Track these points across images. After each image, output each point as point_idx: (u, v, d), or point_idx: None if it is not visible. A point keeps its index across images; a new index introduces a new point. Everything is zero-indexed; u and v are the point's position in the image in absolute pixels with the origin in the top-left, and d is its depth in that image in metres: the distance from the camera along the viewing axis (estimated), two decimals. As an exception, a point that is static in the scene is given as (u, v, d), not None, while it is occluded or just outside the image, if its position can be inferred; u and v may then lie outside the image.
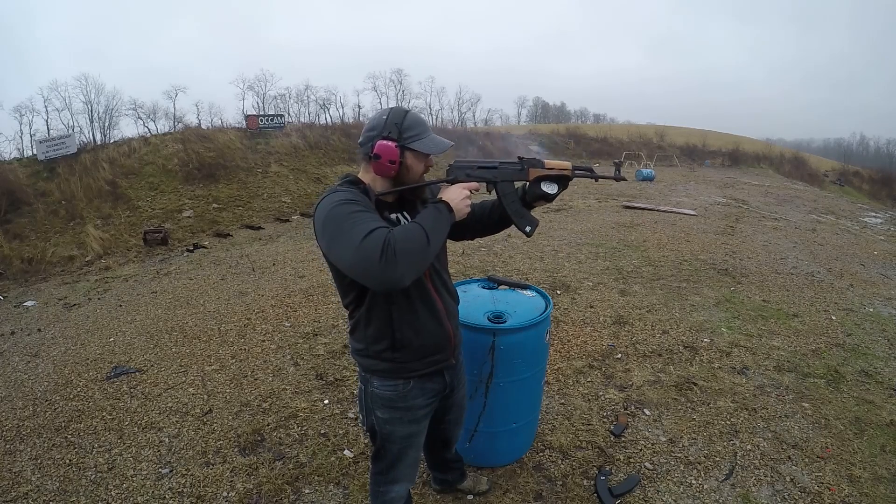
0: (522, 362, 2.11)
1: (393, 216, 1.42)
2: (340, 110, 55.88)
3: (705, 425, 2.68)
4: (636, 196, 12.27)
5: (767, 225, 8.97)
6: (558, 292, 4.86)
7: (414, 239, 1.20)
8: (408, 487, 1.69)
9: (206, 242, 8.81)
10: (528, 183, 1.43)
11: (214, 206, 11.23)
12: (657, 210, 10.00)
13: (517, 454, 2.40)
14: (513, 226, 1.51)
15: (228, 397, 3.15)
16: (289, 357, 3.69)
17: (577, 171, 1.39)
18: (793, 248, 7.01)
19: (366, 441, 2.58)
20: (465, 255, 6.17)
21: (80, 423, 2.97)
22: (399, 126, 1.34)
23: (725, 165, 31.53)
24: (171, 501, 2.25)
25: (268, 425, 2.80)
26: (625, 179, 1.53)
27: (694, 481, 2.25)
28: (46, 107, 43.09)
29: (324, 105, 54.27)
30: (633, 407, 2.86)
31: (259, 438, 2.69)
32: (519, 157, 1.42)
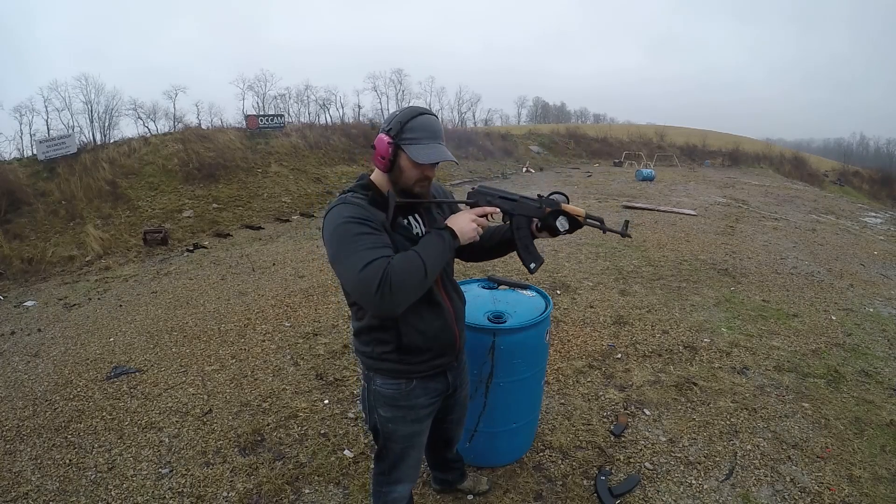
0: (522, 362, 2.11)
1: (405, 221, 1.43)
2: (340, 110, 55.91)
3: (705, 425, 2.68)
4: (636, 196, 12.27)
5: (767, 225, 8.97)
6: (558, 292, 4.86)
7: (412, 272, 1.23)
8: (410, 488, 1.69)
9: (206, 242, 8.81)
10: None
11: (214, 206, 11.23)
12: (657, 210, 10.00)
13: (517, 454, 2.40)
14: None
15: (228, 397, 3.15)
16: (289, 357, 3.69)
17: (588, 220, 1.42)
18: (793, 248, 7.01)
19: (366, 441, 2.58)
20: (465, 255, 6.13)
21: (80, 423, 2.97)
22: (402, 125, 1.33)
23: (725, 165, 31.53)
24: (171, 501, 2.25)
25: (268, 425, 2.80)
26: (630, 237, 1.55)
27: (694, 481, 2.25)
28: (46, 107, 43.21)
29: (324, 105, 54.33)
30: (633, 407, 2.86)
31: (259, 438, 2.69)
32: (538, 195, 1.45)
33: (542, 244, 6.91)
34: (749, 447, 2.49)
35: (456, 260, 1.57)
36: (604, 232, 1.44)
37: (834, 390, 3.05)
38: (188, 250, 8.26)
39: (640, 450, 2.48)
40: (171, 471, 2.46)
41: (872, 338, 3.86)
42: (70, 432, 2.87)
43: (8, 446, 2.77)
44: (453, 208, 1.54)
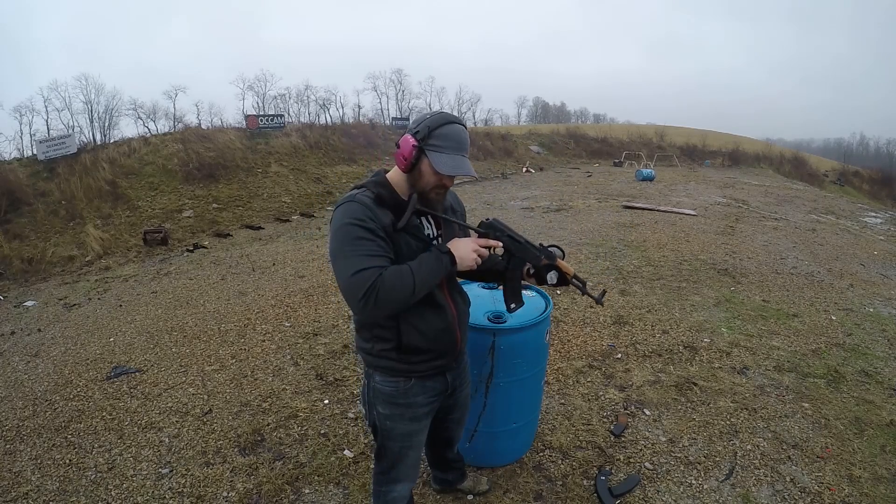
0: (522, 362, 2.11)
1: (417, 220, 1.44)
2: (340, 110, 55.91)
3: (705, 425, 2.68)
4: (636, 196, 12.27)
5: (767, 225, 8.97)
6: (558, 292, 4.86)
7: (400, 288, 1.27)
8: (410, 488, 1.69)
9: (206, 242, 8.81)
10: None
11: (214, 206, 11.23)
12: (657, 210, 10.00)
13: (517, 454, 2.40)
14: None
15: (228, 397, 3.15)
16: (289, 357, 3.69)
17: (574, 280, 1.49)
18: (793, 248, 7.01)
19: (366, 441, 2.58)
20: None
21: (80, 423, 2.97)
22: (430, 130, 1.33)
23: (725, 165, 31.53)
24: (171, 501, 2.25)
25: (268, 425, 2.80)
26: (602, 305, 1.61)
27: (694, 481, 2.25)
28: (46, 107, 43.19)
29: (324, 105, 54.29)
30: (633, 407, 2.86)
31: (259, 438, 2.69)
32: (540, 244, 1.50)
33: (544, 242, 6.91)
34: (749, 447, 2.49)
35: None
36: (582, 294, 1.51)
37: (834, 390, 3.05)
38: (188, 250, 8.26)
39: (640, 450, 2.48)
40: (171, 471, 2.46)
41: (872, 338, 3.86)
42: (70, 432, 2.87)
43: (8, 446, 2.77)
44: (465, 230, 1.56)
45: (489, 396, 2.11)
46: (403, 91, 63.28)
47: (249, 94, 56.40)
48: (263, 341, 4.01)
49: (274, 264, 6.66)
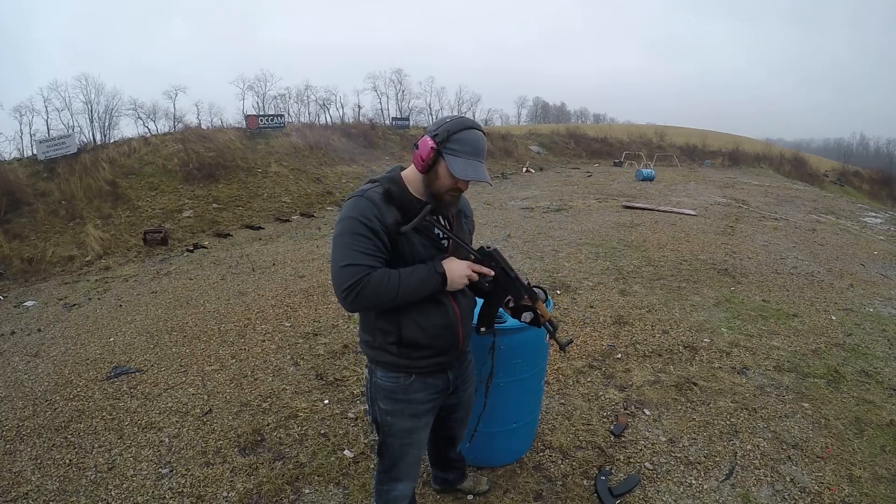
0: (522, 362, 2.11)
1: (426, 223, 1.44)
2: (340, 110, 55.96)
3: (705, 425, 2.68)
4: (636, 196, 12.27)
5: (767, 225, 8.97)
6: (558, 292, 4.86)
7: (384, 293, 1.32)
8: (411, 487, 1.70)
9: (206, 242, 8.81)
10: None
11: (214, 206, 11.23)
12: (657, 210, 10.00)
13: (517, 454, 2.40)
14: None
15: (228, 397, 3.15)
16: (289, 357, 3.69)
17: (546, 324, 1.55)
18: (793, 249, 7.01)
19: (366, 441, 2.58)
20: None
21: (80, 423, 2.97)
22: (449, 134, 1.35)
23: (725, 165, 31.54)
24: (171, 501, 2.25)
25: (268, 425, 2.80)
26: (565, 352, 1.68)
27: (694, 481, 2.25)
28: (46, 107, 43.24)
29: (324, 105, 54.35)
30: (633, 407, 2.86)
31: (259, 438, 2.69)
32: (528, 282, 1.56)
33: (543, 244, 6.92)
34: (749, 447, 2.49)
35: None
36: (550, 338, 1.56)
37: (834, 390, 3.05)
38: (188, 250, 8.26)
39: (640, 450, 2.48)
40: (171, 471, 2.46)
41: (872, 338, 3.86)
42: (70, 432, 2.87)
43: (8, 446, 2.77)
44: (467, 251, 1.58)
45: (489, 396, 2.11)
46: (403, 91, 63.40)
47: (249, 94, 56.48)
48: (263, 341, 4.01)
49: (274, 264, 6.66)
